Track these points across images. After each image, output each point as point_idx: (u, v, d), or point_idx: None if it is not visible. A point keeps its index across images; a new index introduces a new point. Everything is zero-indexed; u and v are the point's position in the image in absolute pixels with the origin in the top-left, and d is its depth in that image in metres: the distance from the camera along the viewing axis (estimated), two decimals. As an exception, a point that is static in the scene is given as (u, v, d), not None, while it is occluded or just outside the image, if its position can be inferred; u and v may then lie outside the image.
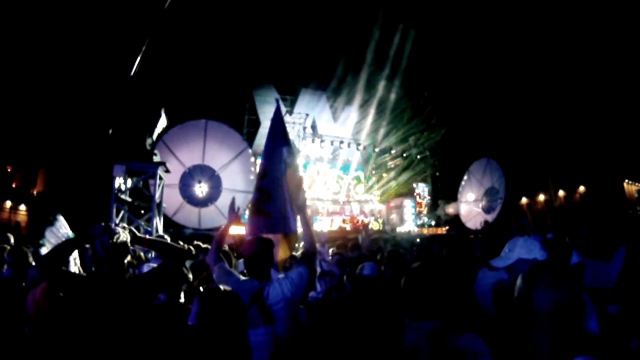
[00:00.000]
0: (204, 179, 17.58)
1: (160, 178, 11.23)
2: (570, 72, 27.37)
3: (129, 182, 10.90)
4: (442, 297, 2.17)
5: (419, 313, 2.15)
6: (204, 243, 8.59)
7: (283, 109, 25.30)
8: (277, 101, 6.16)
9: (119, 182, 10.39)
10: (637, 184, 30.19)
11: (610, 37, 26.30)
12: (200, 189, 17.56)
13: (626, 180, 30.38)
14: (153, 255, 6.16)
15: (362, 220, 24.19)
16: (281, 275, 3.33)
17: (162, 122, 12.68)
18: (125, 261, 2.75)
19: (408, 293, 2.22)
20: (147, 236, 2.98)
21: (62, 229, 4.21)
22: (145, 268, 4.90)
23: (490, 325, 3.61)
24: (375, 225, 23.86)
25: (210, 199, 17.61)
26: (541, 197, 32.08)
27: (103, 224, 2.67)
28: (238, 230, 18.56)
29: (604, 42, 26.59)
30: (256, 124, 25.33)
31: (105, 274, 2.61)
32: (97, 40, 16.22)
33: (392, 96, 27.35)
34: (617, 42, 26.38)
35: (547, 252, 2.54)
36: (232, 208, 3.90)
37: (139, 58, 13.26)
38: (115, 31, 15.92)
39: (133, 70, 13.32)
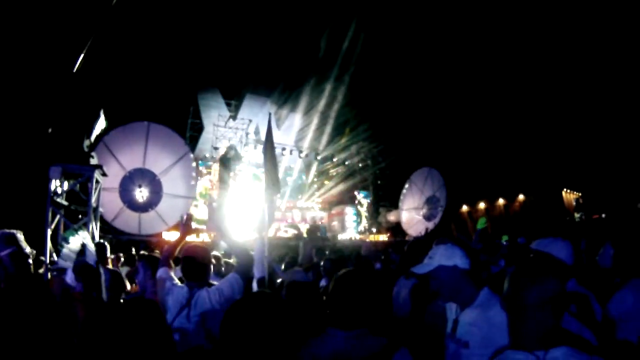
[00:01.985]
0: (145, 183, 17.19)
1: (97, 181, 10.99)
2: (509, 83, 28.40)
3: (65, 185, 10.62)
4: (370, 304, 2.24)
5: (345, 321, 2.20)
6: (142, 249, 8.59)
7: (226, 114, 25.29)
8: (270, 115, 6.36)
9: (55, 184, 10.11)
10: (575, 192, 31.57)
11: (548, 46, 27.43)
12: (141, 194, 17.13)
13: (565, 189, 31.77)
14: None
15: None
16: (215, 285, 3.41)
17: (101, 124, 12.35)
18: None
19: (335, 300, 2.28)
20: None
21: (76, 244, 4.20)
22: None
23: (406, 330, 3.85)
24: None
25: (151, 204, 17.23)
26: (481, 205, 33.08)
27: None
28: (175, 236, 18.37)
29: (542, 52, 27.70)
30: (199, 128, 25.15)
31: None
32: (40, 34, 15.70)
33: (336, 105, 27.75)
34: (555, 51, 27.53)
35: (470, 259, 2.62)
36: (184, 223, 3.93)
37: (82, 55, 12.88)
38: (60, 26, 15.43)
39: (75, 68, 12.91)
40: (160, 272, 3.46)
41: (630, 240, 3.61)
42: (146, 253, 6.72)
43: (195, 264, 3.40)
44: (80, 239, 4.25)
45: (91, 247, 4.15)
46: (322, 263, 6.26)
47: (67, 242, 4.20)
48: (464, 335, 2.43)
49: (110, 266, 6.83)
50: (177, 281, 3.43)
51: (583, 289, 2.89)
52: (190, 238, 3.95)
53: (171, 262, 3.60)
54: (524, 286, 1.73)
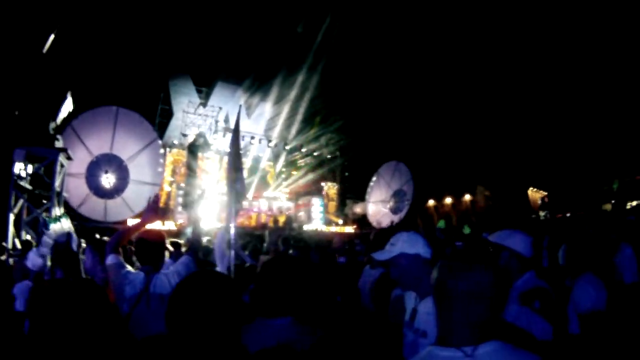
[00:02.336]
0: (111, 169, 16.83)
1: (62, 165, 10.76)
2: (480, 83, 28.67)
3: (30, 168, 10.33)
4: (294, 292, 2.17)
5: (270, 309, 2.15)
6: (108, 236, 8.48)
7: (197, 101, 25.04)
8: (240, 107, 6.34)
9: (18, 168, 9.82)
10: (541, 191, 32.16)
11: (520, 42, 27.67)
12: (107, 180, 16.82)
13: (531, 188, 32.37)
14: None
15: (270, 217, 24.40)
16: (172, 268, 3.39)
17: (68, 106, 11.99)
18: None
19: (260, 288, 2.22)
20: None
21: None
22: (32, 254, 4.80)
23: (370, 321, 3.88)
24: (281, 219, 24.25)
25: (117, 190, 16.86)
26: (448, 200, 33.44)
27: None
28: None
29: (514, 50, 27.93)
30: (169, 114, 24.85)
31: None
32: (9, 14, 15.22)
33: (307, 96, 27.71)
34: (526, 50, 27.79)
35: (432, 249, 2.58)
36: (150, 205, 3.75)
37: (52, 36, 12.52)
38: (29, 6, 14.97)
39: (45, 48, 12.54)
40: (110, 259, 3.30)
41: (581, 239, 3.70)
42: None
43: (149, 247, 3.34)
44: (63, 226, 4.25)
45: (74, 233, 4.16)
46: (290, 252, 6.34)
47: (47, 229, 4.18)
48: (422, 325, 2.41)
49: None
50: (129, 267, 3.35)
51: (543, 282, 2.90)
52: (155, 225, 3.88)
53: (120, 248, 3.48)
54: (450, 275, 1.57)
